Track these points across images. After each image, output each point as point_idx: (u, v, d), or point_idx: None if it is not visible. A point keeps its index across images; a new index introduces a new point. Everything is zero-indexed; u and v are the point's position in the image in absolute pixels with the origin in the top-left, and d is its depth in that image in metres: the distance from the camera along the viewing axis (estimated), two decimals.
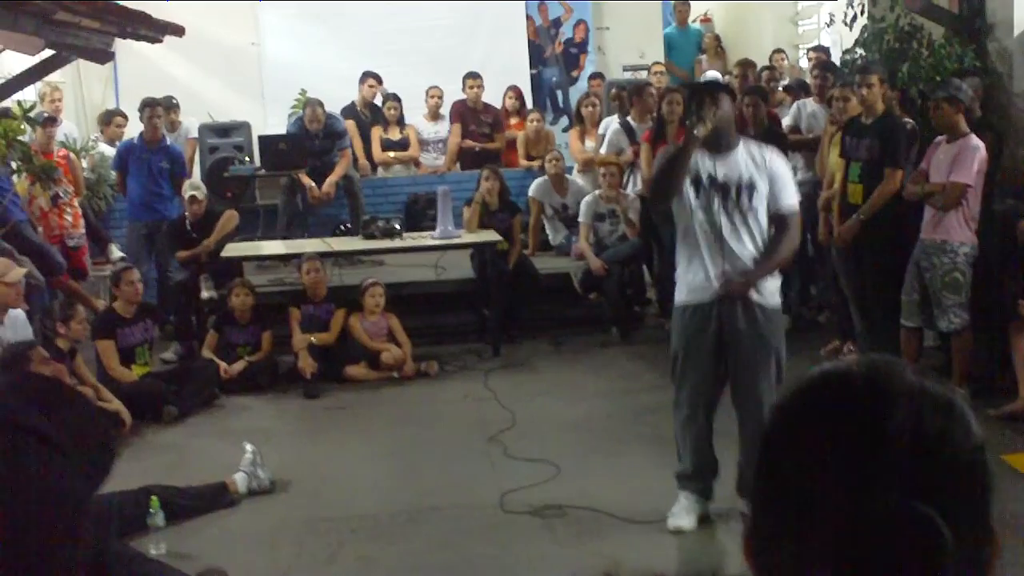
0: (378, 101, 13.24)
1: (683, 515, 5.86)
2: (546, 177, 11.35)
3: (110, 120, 12.45)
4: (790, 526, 1.12)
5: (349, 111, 12.68)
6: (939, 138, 7.64)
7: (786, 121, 10.18)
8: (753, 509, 1.19)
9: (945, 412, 1.12)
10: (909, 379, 1.13)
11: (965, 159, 7.35)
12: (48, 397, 1.45)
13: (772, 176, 5.68)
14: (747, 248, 5.63)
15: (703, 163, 5.64)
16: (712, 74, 12.83)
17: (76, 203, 10.45)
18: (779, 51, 13.42)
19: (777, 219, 5.72)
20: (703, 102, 5.52)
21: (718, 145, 5.64)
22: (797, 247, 5.89)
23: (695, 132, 5.50)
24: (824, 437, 1.11)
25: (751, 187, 5.63)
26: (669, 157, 5.68)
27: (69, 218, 10.26)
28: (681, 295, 5.79)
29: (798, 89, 10.80)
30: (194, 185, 10.65)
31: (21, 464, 1.33)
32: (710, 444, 5.94)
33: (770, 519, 1.15)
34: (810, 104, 10.07)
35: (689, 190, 5.64)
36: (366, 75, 12.94)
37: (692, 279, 5.71)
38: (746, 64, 11.03)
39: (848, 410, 1.12)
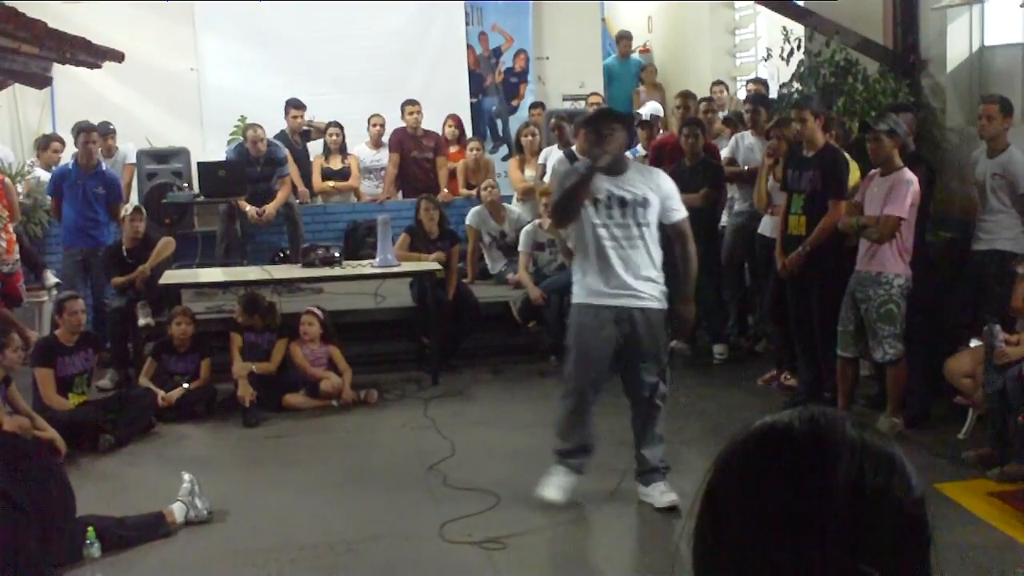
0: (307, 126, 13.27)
1: (554, 489, 6.52)
2: (483, 205, 11.39)
3: (47, 145, 12.34)
4: None
5: (281, 139, 12.62)
6: (873, 171, 7.75)
7: (724, 153, 10.29)
8: (695, 564, 1.18)
9: (886, 466, 1.14)
10: (850, 433, 1.15)
11: (899, 192, 7.47)
12: (13, 457, 1.46)
13: (664, 193, 6.44)
14: (642, 256, 6.35)
15: (601, 184, 6.29)
16: (651, 105, 12.94)
17: (11, 228, 10.31)
18: (718, 83, 13.56)
19: (675, 230, 6.55)
20: (606, 134, 6.29)
21: (615, 168, 6.33)
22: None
23: (598, 163, 6.24)
24: (767, 494, 1.12)
25: (645, 203, 6.35)
26: (574, 183, 6.27)
27: (3, 243, 10.11)
28: (581, 296, 6.46)
29: (738, 121, 10.91)
30: (135, 205, 10.64)
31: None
32: (592, 429, 6.67)
33: (713, 574, 1.16)
34: (748, 137, 10.18)
35: (589, 208, 6.31)
36: (289, 105, 12.90)
37: (592, 285, 6.38)
38: (687, 95, 11.13)
39: (791, 466, 1.13)
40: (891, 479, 1.13)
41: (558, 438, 6.67)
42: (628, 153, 10.86)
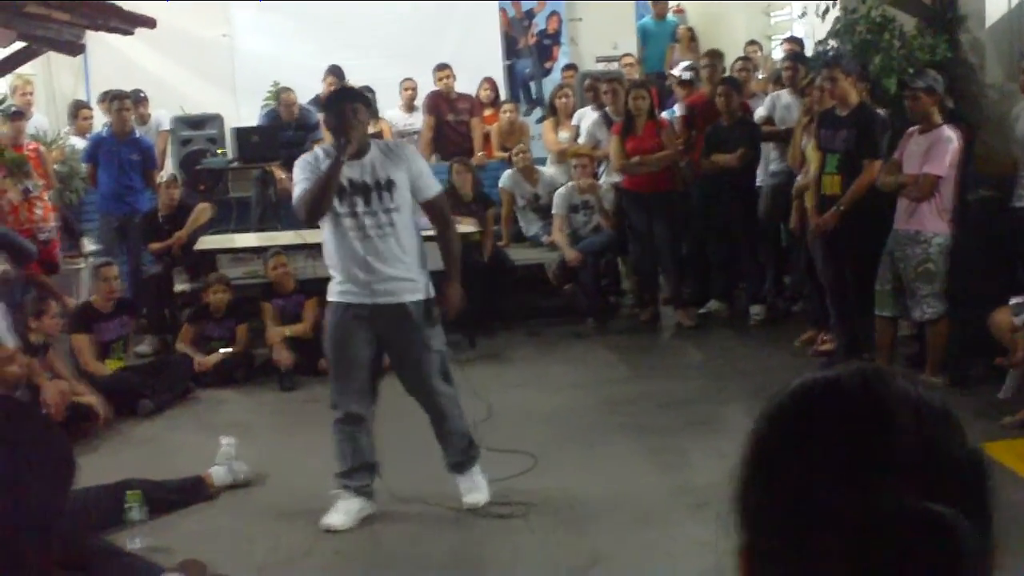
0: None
1: (338, 514, 5.96)
2: (516, 169, 11.35)
3: (76, 112, 12.39)
4: (793, 540, 1.08)
5: (314, 104, 12.62)
6: (912, 128, 7.66)
7: (760, 112, 10.21)
8: (747, 526, 1.15)
9: (944, 420, 1.11)
10: (904, 388, 1.11)
11: (938, 150, 7.38)
12: (7, 409, 1.45)
13: (414, 171, 5.90)
14: (397, 245, 5.82)
15: (342, 171, 5.76)
16: (684, 65, 12.85)
17: (47, 196, 10.38)
18: (753, 42, 13.44)
19: (431, 208, 6.02)
20: (346, 120, 5.71)
21: (356, 152, 5.78)
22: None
23: (343, 152, 5.67)
24: (825, 446, 1.08)
25: (390, 185, 5.81)
26: (320, 178, 5.70)
27: (40, 211, 10.18)
28: (333, 294, 5.93)
29: (776, 81, 10.82)
30: (171, 173, 10.71)
31: None
32: (370, 442, 6.10)
33: (769, 535, 1.12)
34: (784, 96, 10.10)
35: (334, 200, 5.78)
36: (327, 72, 12.92)
37: (344, 281, 5.86)
38: (714, 55, 11.04)
39: (848, 420, 1.09)
40: (948, 431, 1.11)
41: (336, 460, 6.07)
42: (665, 114, 10.92)
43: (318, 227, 6.01)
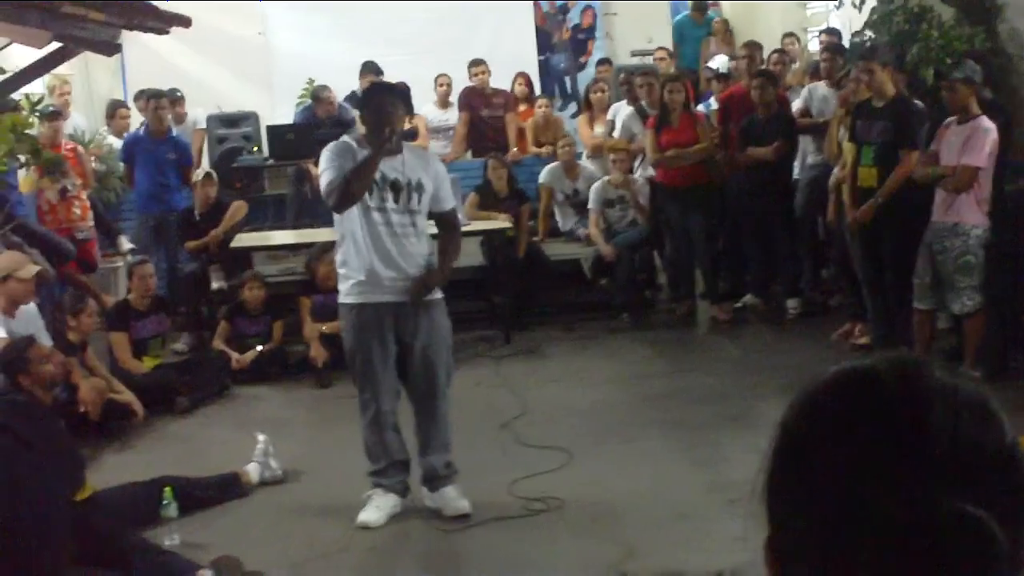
0: None
1: (372, 511, 5.96)
2: (557, 163, 11.32)
3: (114, 112, 12.46)
4: (821, 534, 1.06)
5: (351, 101, 12.63)
6: (949, 119, 7.59)
7: (797, 104, 10.15)
8: (775, 518, 1.12)
9: (981, 412, 1.07)
10: (941, 378, 1.08)
11: (976, 141, 7.31)
12: (18, 404, 1.47)
13: (439, 180, 6.01)
14: (417, 246, 5.89)
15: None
16: (720, 59, 12.79)
17: (84, 196, 10.44)
18: (790, 34, 13.35)
19: (444, 219, 6.15)
20: (387, 113, 5.76)
21: (391, 149, 5.79)
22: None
23: (387, 141, 5.69)
24: (859, 438, 1.05)
25: (420, 188, 5.88)
26: (360, 165, 5.68)
27: (77, 211, 10.25)
28: (354, 294, 5.89)
29: (813, 73, 10.75)
30: (206, 171, 10.77)
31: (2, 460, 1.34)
32: (400, 440, 6.10)
33: (797, 528, 1.09)
34: (821, 88, 10.02)
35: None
36: (365, 69, 12.92)
37: (367, 279, 5.83)
38: (753, 46, 11.00)
39: (883, 411, 1.06)
40: (986, 424, 1.07)
41: (369, 459, 6.09)
42: (700, 107, 10.87)
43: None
